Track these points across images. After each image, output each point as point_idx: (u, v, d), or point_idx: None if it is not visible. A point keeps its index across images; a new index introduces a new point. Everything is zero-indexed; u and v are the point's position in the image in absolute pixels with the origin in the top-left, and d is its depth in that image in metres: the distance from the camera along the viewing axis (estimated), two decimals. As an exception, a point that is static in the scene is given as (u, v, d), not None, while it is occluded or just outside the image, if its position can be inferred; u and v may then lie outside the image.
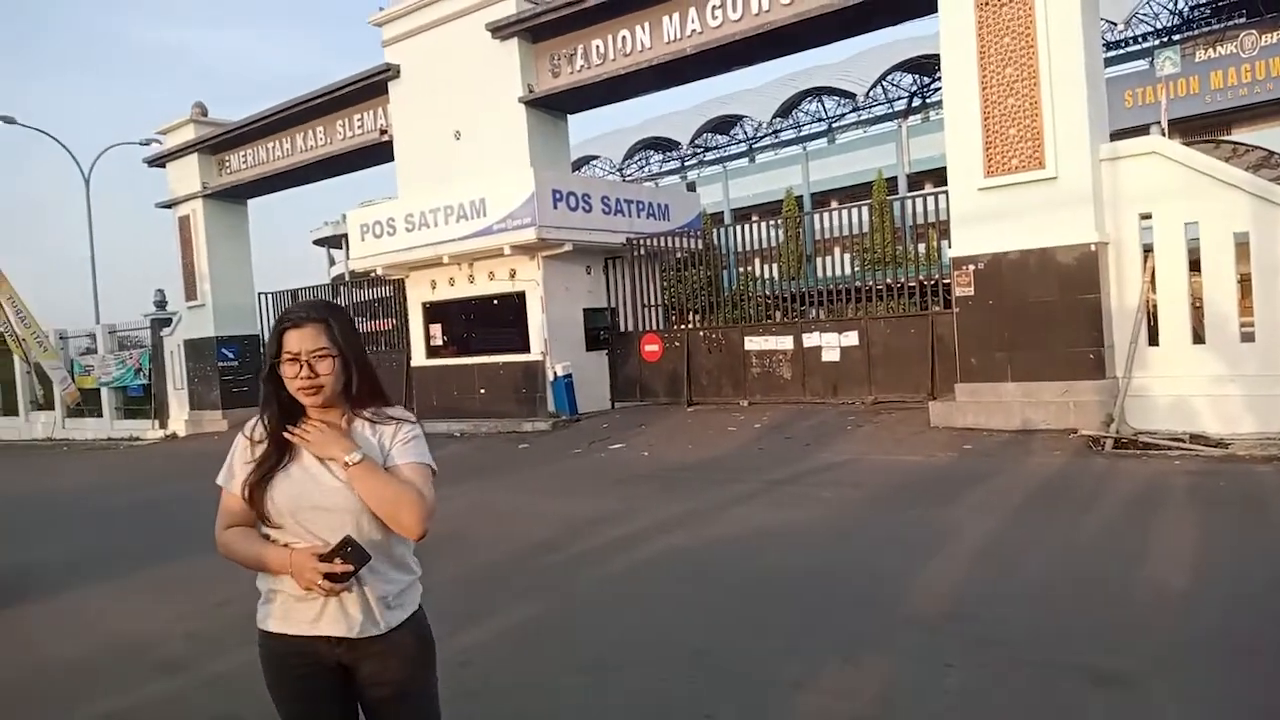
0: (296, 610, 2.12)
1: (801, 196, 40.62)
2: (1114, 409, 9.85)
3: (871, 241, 16.99)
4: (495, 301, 16.25)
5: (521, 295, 15.77)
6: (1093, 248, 10.40)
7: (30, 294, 23.59)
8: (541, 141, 15.92)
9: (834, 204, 32.99)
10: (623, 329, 16.45)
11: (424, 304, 17.41)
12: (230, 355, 22.07)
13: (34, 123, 32.85)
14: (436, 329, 17.29)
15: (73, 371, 24.47)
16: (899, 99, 41.10)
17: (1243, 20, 30.45)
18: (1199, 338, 10.11)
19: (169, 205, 23.12)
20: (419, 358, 17.64)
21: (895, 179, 37.93)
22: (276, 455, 2.14)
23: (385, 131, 18.15)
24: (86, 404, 24.28)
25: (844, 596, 5.38)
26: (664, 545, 6.91)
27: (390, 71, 17.27)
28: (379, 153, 18.95)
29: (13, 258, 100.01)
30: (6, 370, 27.00)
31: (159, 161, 23.05)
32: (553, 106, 16.17)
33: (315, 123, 19.77)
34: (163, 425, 22.77)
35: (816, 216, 15.71)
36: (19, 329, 23.21)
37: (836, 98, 42.22)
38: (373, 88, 17.88)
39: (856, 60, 39.67)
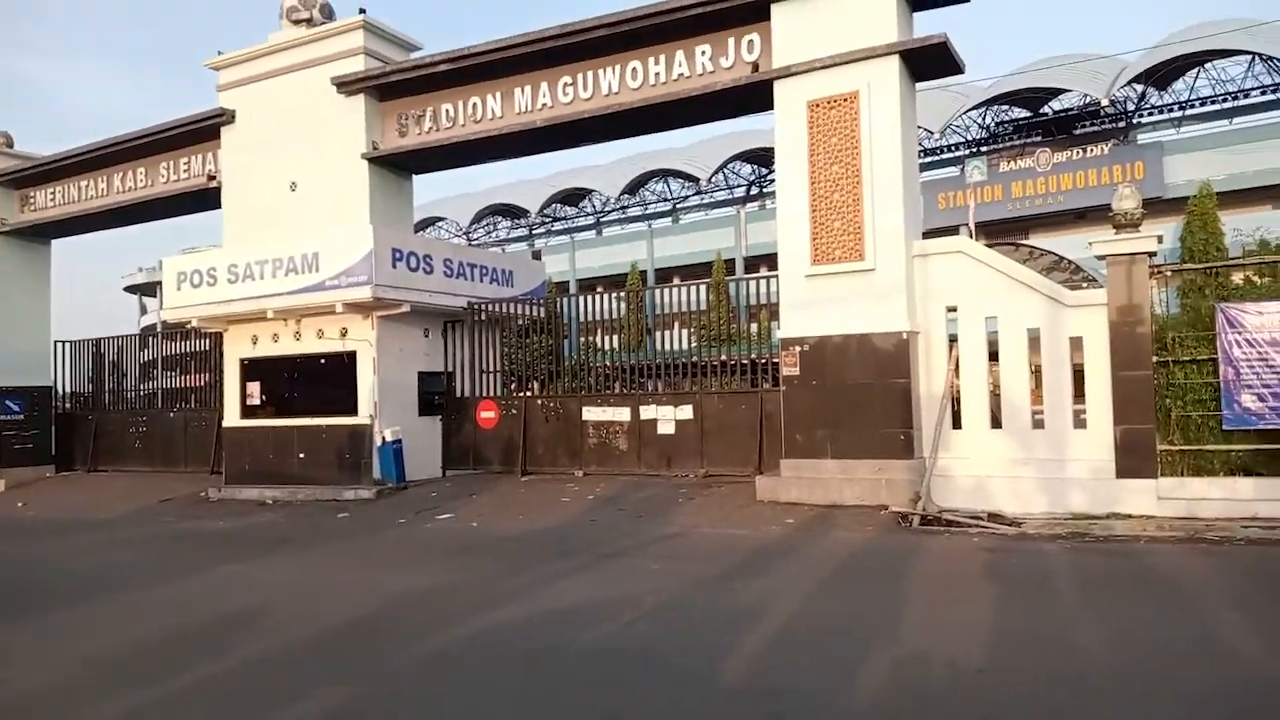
0: None
1: (646, 272, 41.69)
2: (921, 487, 10.47)
3: (709, 319, 17.53)
4: (323, 361, 15.53)
5: (352, 355, 15.16)
6: (905, 336, 11.15)
7: None
8: (383, 199, 15.58)
9: (676, 281, 33.95)
10: (459, 394, 16.09)
11: (242, 360, 16.42)
12: (15, 408, 19.90)
13: None
14: (254, 387, 16.29)
15: None
16: (738, 186, 43.31)
17: (1039, 139, 34.30)
18: (997, 423, 10.96)
19: (-44, 240, 20.86)
20: (232, 418, 16.53)
21: (734, 261, 39.63)
22: None
23: (214, 177, 17.26)
24: None
25: (666, 672, 5.31)
26: (485, 622, 6.63)
27: (224, 116, 16.54)
28: (205, 199, 17.97)
29: None
30: None
31: (-52, 191, 20.85)
32: (398, 165, 15.91)
33: (136, 163, 18.55)
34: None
35: (658, 292, 16.09)
36: None
37: (681, 180, 44.00)
38: (203, 131, 17.04)
39: (701, 146, 41.61)
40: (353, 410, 15.11)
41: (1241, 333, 9.50)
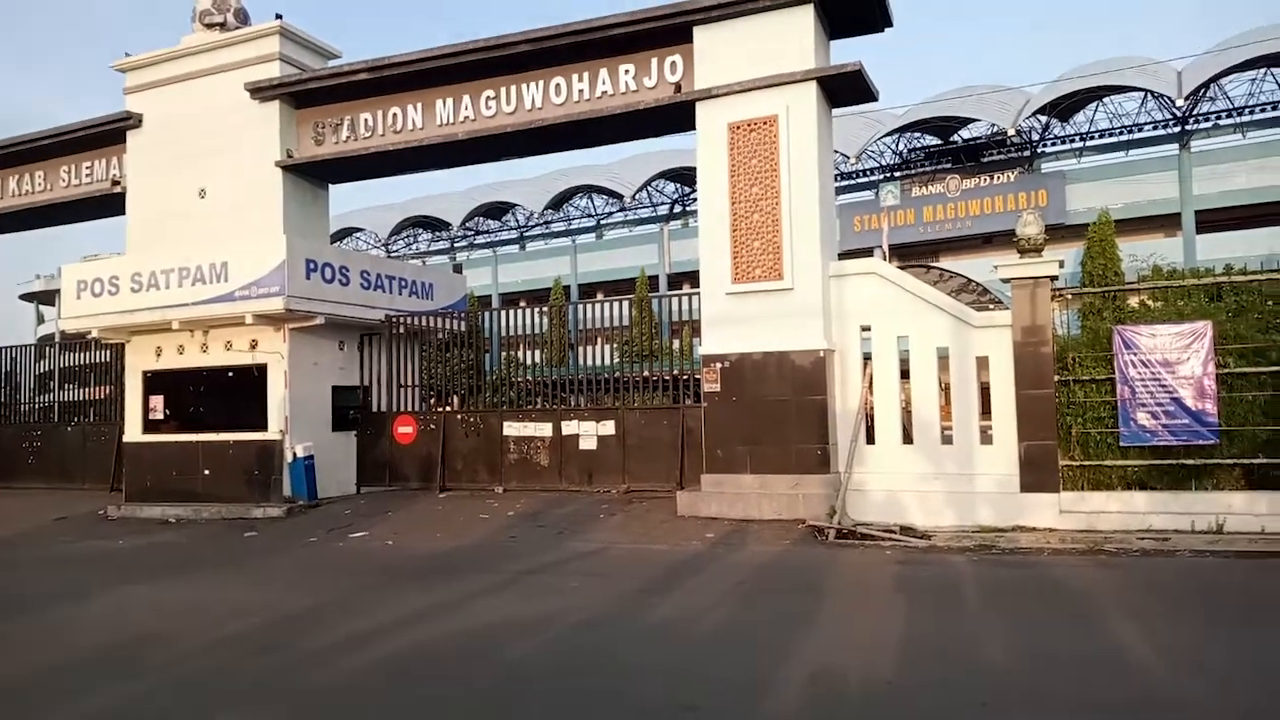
0: None
1: (569, 287, 41.63)
2: (836, 501, 10.68)
3: (632, 335, 17.58)
4: (231, 374, 15.00)
5: (262, 368, 14.69)
6: (821, 354, 11.39)
7: None
8: (298, 209, 15.18)
9: (599, 296, 33.97)
10: (375, 409, 15.73)
11: (145, 373, 15.74)
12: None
13: None
14: (158, 401, 15.62)
15: None
16: (662, 204, 43.67)
17: (949, 166, 35.58)
18: (908, 439, 11.26)
19: None
20: (134, 432, 15.81)
21: (657, 277, 39.91)
22: None
23: (118, 183, 16.59)
24: None
25: (584, 689, 5.27)
26: (401, 642, 6.47)
27: (131, 120, 15.92)
28: (108, 205, 17.28)
29: None
30: None
31: None
32: (313, 174, 15.53)
33: (34, 166, 17.72)
34: None
35: (582, 307, 16.06)
36: None
37: (605, 196, 44.13)
38: (107, 135, 16.39)
39: (625, 164, 41.86)
40: (262, 425, 14.62)
41: (1137, 354, 10.00)
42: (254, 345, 14.70)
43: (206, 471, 14.99)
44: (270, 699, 5.31)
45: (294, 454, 14.26)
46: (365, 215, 49.06)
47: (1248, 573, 8.06)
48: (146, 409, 15.71)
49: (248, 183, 15.01)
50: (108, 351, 18.62)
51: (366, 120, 14.63)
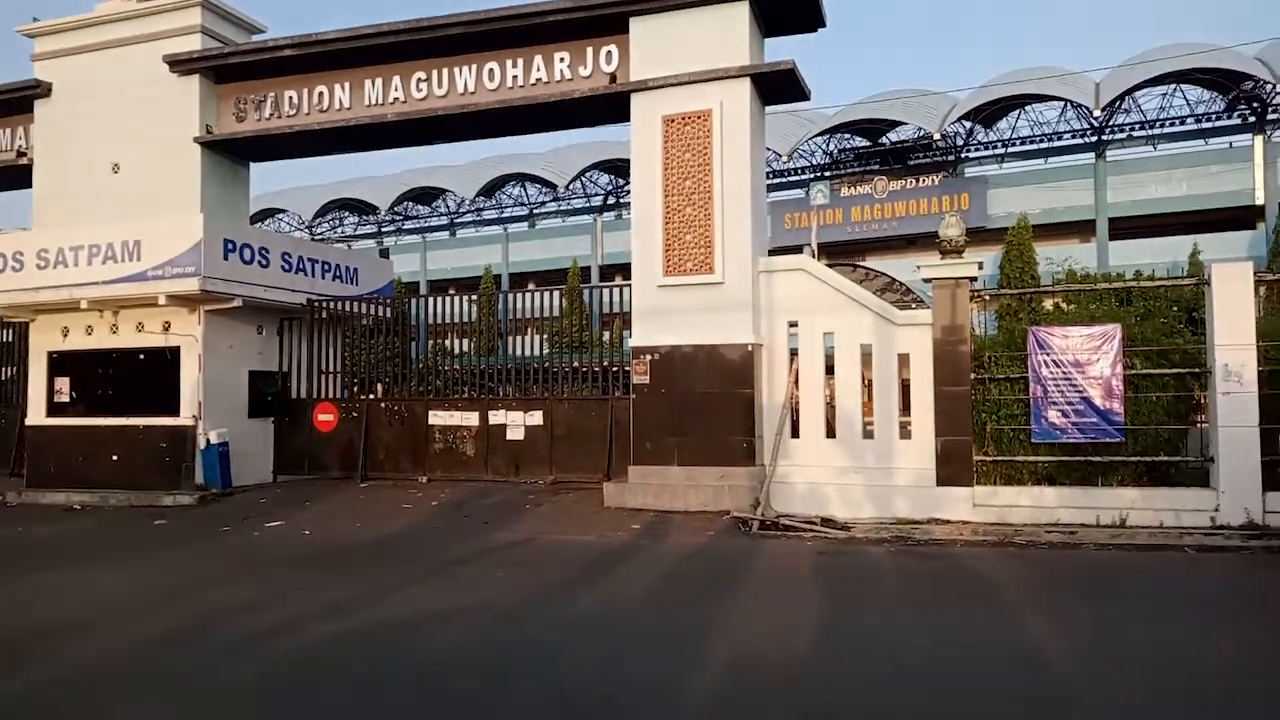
0: None
1: (500, 276, 41.23)
2: (761, 493, 10.82)
3: (563, 325, 17.48)
4: (142, 356, 14.42)
5: (175, 351, 14.16)
6: (750, 348, 11.51)
7: None
8: (217, 186, 14.67)
9: (531, 286, 33.78)
10: (295, 395, 15.32)
11: (51, 353, 15.04)
12: None
13: None
14: (64, 383, 14.94)
15: None
16: (596, 195, 43.55)
17: (877, 167, 36.32)
18: (832, 433, 11.47)
19: None
20: (37, 416, 15.12)
21: (590, 268, 39.81)
22: None
23: (24, 154, 15.78)
24: None
25: (505, 684, 5.21)
26: (315, 635, 6.31)
27: (39, 89, 15.16)
28: (13, 177, 16.45)
29: None
30: None
31: None
32: (234, 152, 15.03)
33: (-72, 132, 16.70)
34: None
35: (512, 296, 15.89)
36: None
37: (539, 185, 43.79)
38: (13, 103, 15.57)
39: (560, 153, 41.60)
40: (174, 410, 14.10)
41: (1049, 354, 10.36)
42: (167, 327, 14.16)
43: (115, 457, 14.40)
44: (165, 695, 5.12)
45: (207, 440, 13.80)
46: (289, 196, 47.70)
47: (1147, 565, 8.44)
48: (51, 391, 15.02)
49: (164, 158, 14.45)
50: (10, 331, 17.75)
51: (291, 98, 14.20)
